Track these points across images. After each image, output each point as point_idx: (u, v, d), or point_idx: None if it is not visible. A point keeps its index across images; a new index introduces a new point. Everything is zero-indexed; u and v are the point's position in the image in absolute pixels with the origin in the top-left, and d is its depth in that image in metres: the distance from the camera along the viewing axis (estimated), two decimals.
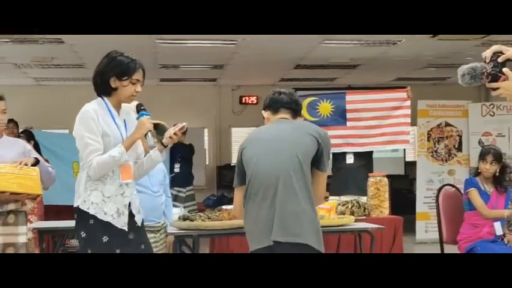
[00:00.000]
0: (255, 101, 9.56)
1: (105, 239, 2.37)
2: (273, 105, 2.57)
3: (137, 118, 2.51)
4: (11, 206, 2.79)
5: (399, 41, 6.23)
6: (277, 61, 7.49)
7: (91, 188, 2.40)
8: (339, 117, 5.43)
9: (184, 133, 2.66)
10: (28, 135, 5.49)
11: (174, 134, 2.53)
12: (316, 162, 2.40)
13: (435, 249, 3.71)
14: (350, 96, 5.57)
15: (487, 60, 1.61)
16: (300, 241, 2.29)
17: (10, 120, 6.37)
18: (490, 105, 7.12)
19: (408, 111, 5.31)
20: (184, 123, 2.62)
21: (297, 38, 5.68)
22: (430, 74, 8.77)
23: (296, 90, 8.13)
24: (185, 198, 7.12)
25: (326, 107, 5.43)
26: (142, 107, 2.49)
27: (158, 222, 3.42)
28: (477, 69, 1.60)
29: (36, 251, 3.97)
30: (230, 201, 6.29)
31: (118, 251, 2.40)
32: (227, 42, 6.31)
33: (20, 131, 5.84)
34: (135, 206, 2.48)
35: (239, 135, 9.60)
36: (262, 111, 2.63)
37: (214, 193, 8.92)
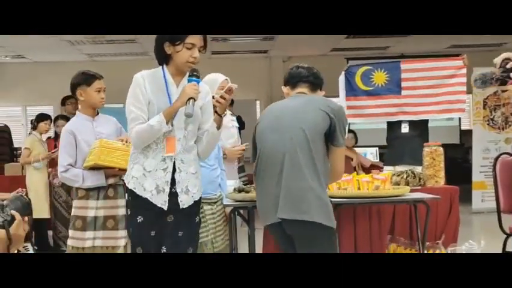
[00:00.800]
0: None
1: (139, 219, 2.20)
2: (291, 80, 2.49)
3: None
4: (111, 180, 2.84)
5: None
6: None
7: (133, 161, 2.24)
8: (394, 86, 5.34)
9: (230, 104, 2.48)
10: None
11: (221, 97, 2.36)
12: (330, 137, 2.31)
13: (493, 219, 3.67)
14: (405, 65, 5.46)
15: (497, 67, 1.86)
16: (307, 218, 2.22)
17: (71, 96, 6.66)
18: None
19: (464, 79, 5.17)
20: (230, 84, 2.45)
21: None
22: (485, 40, 8.40)
23: (348, 60, 8.19)
24: (238, 170, 7.19)
25: (380, 76, 5.36)
26: (195, 73, 2.25)
27: (215, 195, 3.27)
28: (487, 75, 1.87)
29: None
30: None
31: (153, 233, 2.23)
32: None
33: None
34: (183, 185, 2.23)
35: None
36: (282, 87, 2.54)
37: None
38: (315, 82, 2.51)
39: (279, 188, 2.26)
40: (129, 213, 2.29)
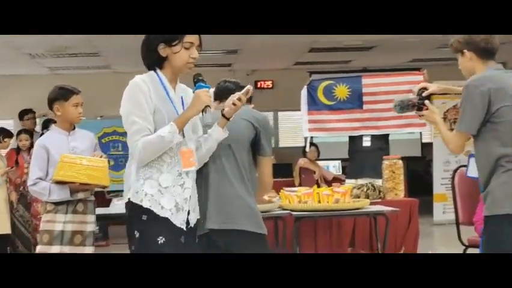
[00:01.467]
0: (270, 85, 9.79)
1: (161, 240, 1.96)
2: (220, 94, 2.45)
3: (194, 91, 2.10)
4: (80, 195, 2.87)
5: None
6: (291, 44, 7.51)
7: (144, 177, 1.99)
8: (356, 100, 5.47)
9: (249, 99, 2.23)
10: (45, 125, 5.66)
11: (238, 99, 2.12)
12: (256, 146, 2.32)
13: (453, 230, 3.76)
14: (366, 80, 5.60)
15: (415, 94, 2.21)
16: (235, 227, 2.19)
17: (29, 111, 6.59)
18: None
19: None
20: (248, 86, 2.25)
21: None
22: (446, 54, 8.71)
23: (311, 73, 8.24)
24: None
25: (342, 91, 5.48)
26: (200, 77, 2.06)
27: None
28: (404, 102, 2.20)
29: None
30: None
31: None
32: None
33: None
34: (193, 201, 2.06)
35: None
36: (212, 102, 2.36)
37: None
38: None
39: (206, 198, 2.21)
40: (141, 235, 1.99)
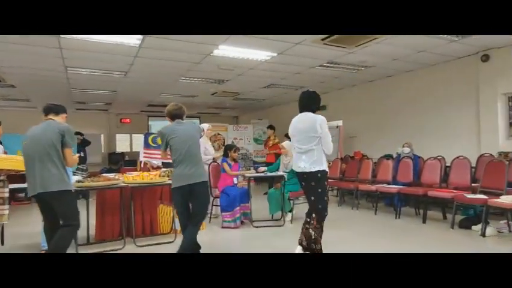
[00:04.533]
0: (128, 121, 17.40)
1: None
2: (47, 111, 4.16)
3: None
4: (3, 177, 4.62)
5: None
6: (139, 102, 14.01)
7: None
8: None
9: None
10: None
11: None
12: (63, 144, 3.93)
13: None
14: None
15: None
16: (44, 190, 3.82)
17: None
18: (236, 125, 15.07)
19: None
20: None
21: (146, 92, 11.56)
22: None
23: (149, 116, 16.47)
24: (85, 170, 10.82)
25: (160, 139, 5.96)
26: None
27: None
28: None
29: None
30: (110, 171, 12.01)
31: None
32: (112, 91, 11.59)
33: None
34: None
35: (119, 138, 17.54)
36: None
37: (106, 166, 15.08)
38: (56, 110, 4.17)
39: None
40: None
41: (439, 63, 8.71)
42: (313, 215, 4.31)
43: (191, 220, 4.38)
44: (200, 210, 4.40)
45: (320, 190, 4.28)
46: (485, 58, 7.80)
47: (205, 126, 7.30)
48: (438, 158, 7.64)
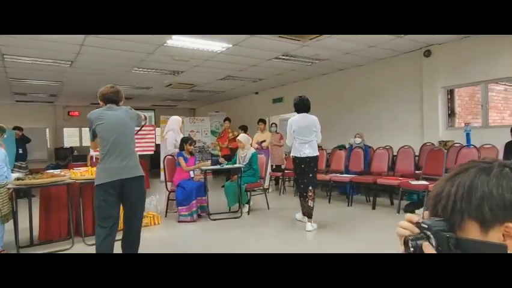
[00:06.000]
0: (77, 114, 16.43)
1: None
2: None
3: None
4: None
5: None
6: (88, 94, 13.37)
7: None
8: None
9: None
10: None
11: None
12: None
13: None
14: None
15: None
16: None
17: None
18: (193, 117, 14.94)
19: None
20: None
21: (95, 82, 10.85)
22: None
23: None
24: (25, 167, 10.56)
25: None
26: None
27: (2, 182, 4.80)
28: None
29: None
30: (57, 167, 12.04)
31: None
32: (57, 81, 10.91)
33: None
34: None
35: (68, 132, 16.50)
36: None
37: (53, 162, 14.65)
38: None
39: None
40: None
41: (388, 58, 9.00)
42: (310, 188, 5.73)
43: (126, 226, 3.87)
44: (135, 212, 3.82)
45: (315, 169, 5.82)
46: (428, 53, 8.16)
47: (176, 118, 7.25)
48: (387, 147, 8.03)
